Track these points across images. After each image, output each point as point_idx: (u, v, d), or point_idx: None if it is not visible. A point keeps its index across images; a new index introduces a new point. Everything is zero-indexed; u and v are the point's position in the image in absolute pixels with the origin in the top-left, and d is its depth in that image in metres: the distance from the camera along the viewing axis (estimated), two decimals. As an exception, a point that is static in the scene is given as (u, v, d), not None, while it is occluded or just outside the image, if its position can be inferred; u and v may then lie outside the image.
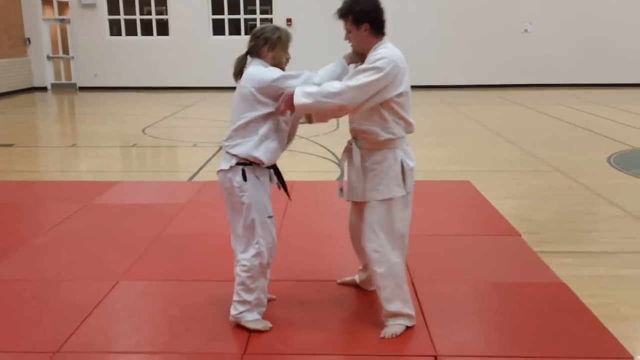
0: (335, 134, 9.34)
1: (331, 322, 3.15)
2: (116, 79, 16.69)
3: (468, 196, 5.57)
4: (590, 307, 3.27)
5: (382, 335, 2.97)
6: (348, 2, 2.92)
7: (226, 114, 11.27)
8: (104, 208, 5.21)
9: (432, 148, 8.17)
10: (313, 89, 2.82)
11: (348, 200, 3.21)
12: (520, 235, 4.44)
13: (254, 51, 3.04)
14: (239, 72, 3.04)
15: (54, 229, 4.65)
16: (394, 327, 3.00)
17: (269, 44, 3.01)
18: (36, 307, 3.33)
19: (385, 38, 2.99)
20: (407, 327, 3.02)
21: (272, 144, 2.97)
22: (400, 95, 2.90)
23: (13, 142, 8.85)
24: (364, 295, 3.47)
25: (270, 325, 3.05)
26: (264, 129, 2.94)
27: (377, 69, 2.79)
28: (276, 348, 2.88)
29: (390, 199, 2.98)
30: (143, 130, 9.83)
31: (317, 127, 9.88)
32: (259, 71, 2.95)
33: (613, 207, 5.27)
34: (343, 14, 2.94)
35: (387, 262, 2.97)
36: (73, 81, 17.14)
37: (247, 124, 2.93)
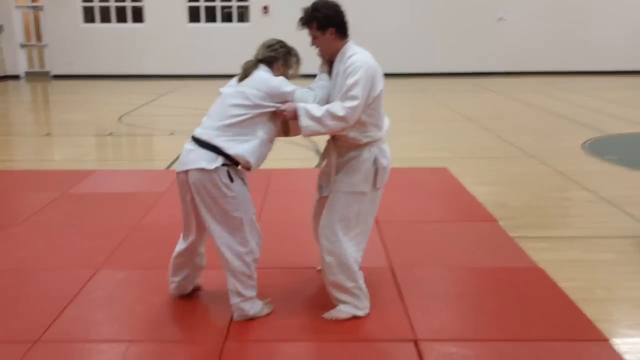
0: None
1: (311, 308, 3.17)
2: (91, 67, 16.46)
3: (445, 183, 5.62)
4: (566, 290, 3.34)
5: (325, 316, 3.03)
6: (309, 9, 2.98)
7: (203, 102, 11.24)
8: (81, 197, 5.16)
9: (408, 135, 8.21)
10: (318, 112, 2.86)
11: (325, 196, 3.19)
12: (497, 221, 4.50)
13: (269, 61, 3.04)
14: (245, 76, 2.99)
15: (30, 218, 4.60)
16: (339, 312, 3.04)
17: (287, 62, 3.08)
18: (14, 297, 3.30)
19: (349, 39, 3.06)
20: (356, 316, 3.04)
21: (264, 151, 2.97)
22: (379, 93, 2.95)
23: (-14, 131, 8.71)
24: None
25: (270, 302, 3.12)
26: (262, 132, 2.92)
27: (363, 79, 2.85)
28: (257, 334, 2.89)
29: (354, 193, 3.00)
30: (119, 119, 9.73)
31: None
32: (271, 78, 2.96)
33: (587, 193, 5.36)
34: (307, 21, 2.99)
35: (338, 254, 2.98)
36: (47, 69, 16.88)
37: (244, 122, 2.88)
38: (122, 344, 2.82)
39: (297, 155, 7.03)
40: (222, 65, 16.25)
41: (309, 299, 3.28)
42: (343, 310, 3.04)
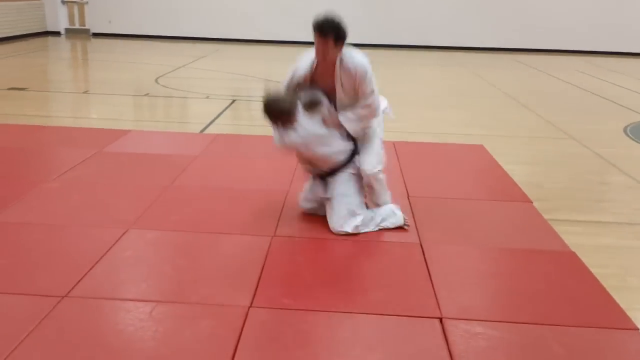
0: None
1: (338, 279, 3.16)
2: (130, 27, 16.51)
3: (480, 160, 5.53)
4: (598, 276, 3.27)
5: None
6: (332, 23, 3.39)
7: (238, 67, 11.22)
8: (116, 156, 5.21)
9: (445, 110, 8.09)
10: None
11: None
12: (532, 202, 4.41)
13: None
14: None
15: (65, 174, 4.66)
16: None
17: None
18: (46, 252, 3.36)
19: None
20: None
21: None
22: None
23: (26, 85, 8.82)
24: (381, 254, 3.48)
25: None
26: None
27: (370, 73, 3.51)
28: (283, 302, 2.89)
29: None
30: (156, 80, 9.76)
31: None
32: None
33: (626, 178, 5.22)
34: (326, 33, 3.39)
35: None
36: (87, 27, 16.98)
37: None
38: (149, 304, 2.84)
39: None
40: (259, 30, 16.19)
41: (337, 269, 3.27)
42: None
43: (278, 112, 3.47)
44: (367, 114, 3.54)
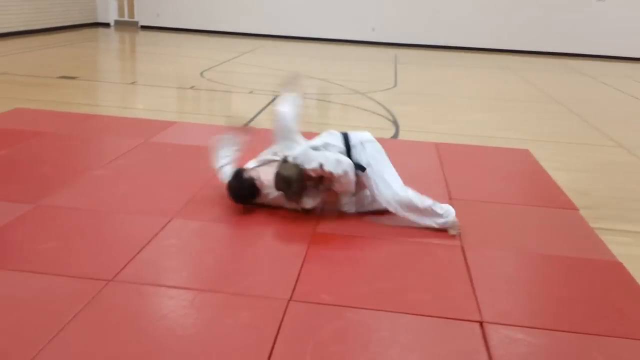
0: (393, 92, 9.23)
1: (378, 277, 3.15)
2: (178, 20, 16.76)
3: (525, 165, 5.45)
4: (645, 288, 3.19)
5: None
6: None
7: (283, 63, 11.28)
8: (161, 146, 5.30)
9: (491, 113, 8.00)
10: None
11: None
12: (578, 210, 4.33)
13: None
14: None
15: (113, 162, 4.76)
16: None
17: None
18: (93, 236, 3.44)
19: None
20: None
21: None
22: None
23: (77, 75, 9.03)
24: (422, 255, 3.46)
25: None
26: None
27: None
28: (322, 297, 2.91)
29: None
30: (201, 73, 9.88)
31: (374, 84, 9.76)
32: None
33: (677, 189, 5.07)
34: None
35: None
36: (135, 19, 17.29)
37: None
38: (191, 292, 2.89)
39: (372, 124, 6.97)
40: (304, 28, 16.24)
41: (377, 268, 3.27)
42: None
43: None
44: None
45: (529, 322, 2.84)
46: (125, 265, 3.09)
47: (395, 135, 6.41)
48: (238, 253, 3.36)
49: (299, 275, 3.11)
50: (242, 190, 3.84)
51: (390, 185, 3.71)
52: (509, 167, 5.36)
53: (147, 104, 7.62)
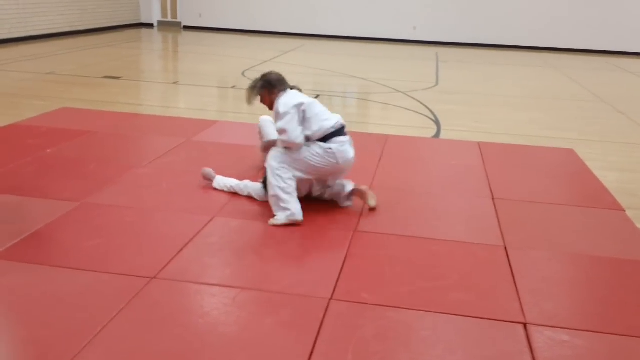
0: (435, 90, 9.15)
1: (419, 277, 3.13)
2: (219, 21, 16.94)
3: (571, 165, 5.33)
4: (696, 292, 3.09)
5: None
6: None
7: (323, 62, 11.30)
8: (204, 145, 5.36)
9: (536, 112, 7.86)
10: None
11: None
12: (624, 210, 4.23)
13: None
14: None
15: (156, 161, 4.84)
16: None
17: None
18: (136, 234, 3.50)
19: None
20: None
21: None
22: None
23: (120, 75, 9.20)
24: (464, 255, 3.42)
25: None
26: None
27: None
28: (363, 297, 2.90)
29: None
30: (242, 73, 9.96)
31: (416, 83, 9.68)
32: None
33: None
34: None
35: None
36: (178, 20, 17.53)
37: None
38: (233, 290, 2.92)
39: (413, 122, 6.92)
40: (345, 27, 16.23)
41: (418, 267, 3.24)
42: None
43: None
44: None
45: (573, 324, 2.78)
46: (168, 263, 3.13)
47: (437, 135, 6.36)
48: (279, 251, 3.37)
49: (340, 274, 3.11)
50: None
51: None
52: (553, 166, 5.26)
53: (189, 103, 7.72)
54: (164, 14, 17.73)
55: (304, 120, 3.79)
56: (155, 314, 2.69)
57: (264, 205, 3.96)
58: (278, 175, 3.75)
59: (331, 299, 2.87)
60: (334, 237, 3.59)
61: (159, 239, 3.45)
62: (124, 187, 4.23)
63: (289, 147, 3.78)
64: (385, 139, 5.78)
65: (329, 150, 3.78)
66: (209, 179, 4.34)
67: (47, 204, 3.87)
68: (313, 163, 3.79)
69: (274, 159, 3.79)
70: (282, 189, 3.73)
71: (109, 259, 3.17)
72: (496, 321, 2.77)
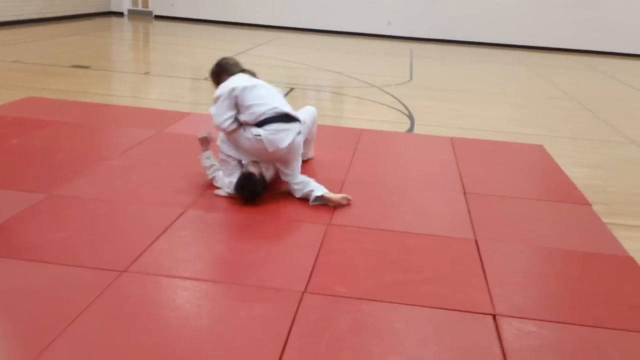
0: (409, 86, 9.20)
1: (393, 270, 3.15)
2: (192, 11, 16.77)
3: (540, 161, 5.42)
4: (660, 285, 3.17)
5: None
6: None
7: (297, 56, 11.29)
8: (175, 137, 5.31)
9: (506, 108, 7.96)
10: None
11: None
12: (591, 205, 4.31)
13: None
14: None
15: (127, 152, 4.78)
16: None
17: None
18: (107, 227, 3.45)
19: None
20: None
21: None
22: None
23: (90, 64, 9.06)
24: (435, 248, 3.46)
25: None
26: None
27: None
28: (337, 289, 2.91)
29: None
30: (215, 64, 9.87)
31: (390, 78, 9.72)
32: None
33: (692, 186, 5.03)
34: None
35: None
36: (150, 9, 17.31)
37: None
38: (205, 283, 2.90)
39: (387, 117, 6.95)
40: (320, 20, 16.20)
41: (391, 260, 3.27)
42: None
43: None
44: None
45: (542, 315, 2.84)
46: (139, 256, 3.10)
47: (411, 129, 6.39)
48: (252, 245, 3.36)
49: (313, 267, 3.12)
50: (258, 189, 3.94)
51: None
52: (523, 162, 5.33)
53: (160, 94, 7.64)
54: (135, 2, 17.49)
55: (236, 105, 3.90)
56: (126, 308, 2.66)
57: (239, 199, 3.95)
58: (220, 151, 4.05)
59: (305, 291, 2.88)
60: (307, 230, 3.60)
61: (130, 231, 3.41)
62: (93, 179, 4.18)
63: (222, 131, 3.99)
64: (359, 133, 5.80)
65: (258, 137, 3.86)
66: (205, 144, 4.29)
67: (13, 195, 3.79)
68: (245, 148, 3.95)
69: (219, 136, 4.08)
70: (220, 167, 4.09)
71: (79, 252, 3.12)
72: (467, 312, 2.81)
